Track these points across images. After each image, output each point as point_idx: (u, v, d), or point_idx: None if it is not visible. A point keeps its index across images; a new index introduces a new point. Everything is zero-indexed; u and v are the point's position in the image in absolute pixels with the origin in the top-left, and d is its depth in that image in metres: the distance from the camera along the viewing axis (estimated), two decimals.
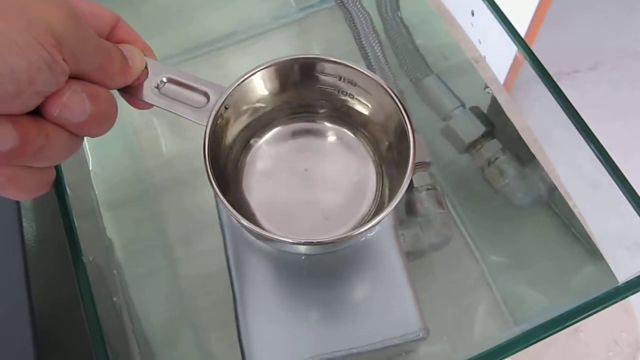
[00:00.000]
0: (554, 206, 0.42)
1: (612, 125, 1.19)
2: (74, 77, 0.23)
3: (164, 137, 0.46)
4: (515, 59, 0.39)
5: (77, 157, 0.24)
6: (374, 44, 0.45)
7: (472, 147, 0.44)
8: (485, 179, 0.43)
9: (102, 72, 0.25)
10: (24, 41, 0.20)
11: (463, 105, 0.44)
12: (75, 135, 0.24)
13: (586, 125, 0.34)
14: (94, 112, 0.24)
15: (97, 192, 0.42)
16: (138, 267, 0.41)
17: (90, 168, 0.43)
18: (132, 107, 0.30)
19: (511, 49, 0.38)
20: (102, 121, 0.25)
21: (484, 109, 0.44)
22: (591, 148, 0.34)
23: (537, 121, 0.42)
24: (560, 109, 0.35)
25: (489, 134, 0.43)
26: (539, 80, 0.36)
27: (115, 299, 0.38)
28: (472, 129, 0.43)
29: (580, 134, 0.34)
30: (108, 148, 0.45)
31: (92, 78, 0.24)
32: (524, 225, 0.43)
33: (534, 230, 0.43)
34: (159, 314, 0.40)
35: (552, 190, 0.41)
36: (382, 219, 0.27)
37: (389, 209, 0.27)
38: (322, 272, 0.34)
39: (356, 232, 0.27)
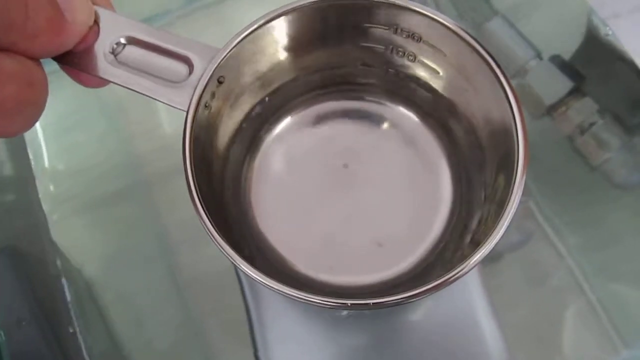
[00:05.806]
0: None
1: None
2: None
3: (166, 112, 0.40)
4: None
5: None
6: None
7: (553, 109, 0.38)
8: (578, 151, 0.38)
9: (10, 30, 0.17)
10: None
11: (539, 55, 0.39)
12: None
13: None
14: None
15: (54, 196, 0.37)
16: (127, 282, 0.36)
17: (46, 165, 0.37)
18: None
19: None
20: (14, 113, 0.17)
21: (568, 55, 0.39)
22: None
23: None
24: None
25: (577, 91, 0.38)
26: None
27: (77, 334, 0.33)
28: (554, 85, 0.38)
29: None
30: (80, 134, 0.39)
31: None
32: (625, 209, 0.38)
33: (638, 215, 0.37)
34: (160, 339, 0.35)
35: None
36: (483, 257, 0.18)
37: (495, 238, 0.18)
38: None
39: (441, 281, 0.18)
